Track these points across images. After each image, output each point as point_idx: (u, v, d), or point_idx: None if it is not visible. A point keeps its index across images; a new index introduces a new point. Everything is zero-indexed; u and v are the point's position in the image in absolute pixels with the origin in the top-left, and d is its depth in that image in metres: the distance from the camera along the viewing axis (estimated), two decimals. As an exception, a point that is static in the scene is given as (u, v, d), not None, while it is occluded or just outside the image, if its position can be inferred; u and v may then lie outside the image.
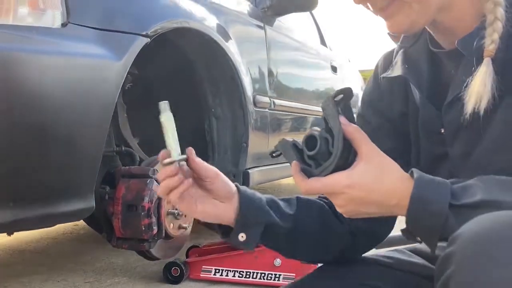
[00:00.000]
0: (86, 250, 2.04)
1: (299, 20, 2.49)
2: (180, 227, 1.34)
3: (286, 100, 2.05)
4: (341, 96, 0.62)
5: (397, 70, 0.78)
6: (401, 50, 0.79)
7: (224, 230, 0.73)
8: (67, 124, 0.94)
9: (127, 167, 1.30)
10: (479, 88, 0.63)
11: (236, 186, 0.72)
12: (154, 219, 1.22)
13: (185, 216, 1.37)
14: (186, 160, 0.64)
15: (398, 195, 0.60)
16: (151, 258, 1.38)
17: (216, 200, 0.69)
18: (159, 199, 1.25)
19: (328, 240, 0.79)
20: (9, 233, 1.03)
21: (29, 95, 0.88)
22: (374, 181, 0.61)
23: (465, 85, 0.64)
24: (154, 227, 1.22)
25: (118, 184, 1.25)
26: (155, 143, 1.59)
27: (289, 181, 3.44)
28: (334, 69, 2.93)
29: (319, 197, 0.84)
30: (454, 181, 0.60)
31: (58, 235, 2.27)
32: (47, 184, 0.92)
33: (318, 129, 0.62)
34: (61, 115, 0.93)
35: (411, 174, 0.61)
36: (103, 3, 1.06)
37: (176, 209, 1.32)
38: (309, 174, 0.62)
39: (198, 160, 0.66)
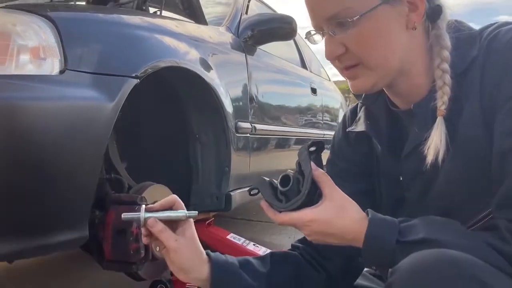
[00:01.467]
0: (74, 268, 2.11)
1: (279, 46, 2.61)
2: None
3: (266, 124, 2.17)
4: (314, 148, 0.75)
5: (360, 125, 0.90)
6: (364, 107, 0.91)
7: None
8: (64, 162, 1.03)
9: (117, 194, 1.39)
10: (437, 143, 0.73)
11: (208, 254, 0.82)
12: (141, 244, 1.31)
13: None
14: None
15: (354, 231, 0.73)
16: (139, 278, 1.47)
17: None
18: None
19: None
20: (10, 261, 1.12)
21: (30, 136, 0.98)
22: (333, 218, 0.74)
23: (423, 139, 0.75)
24: (141, 251, 1.30)
25: (109, 210, 1.33)
26: (142, 167, 1.70)
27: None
28: (313, 90, 3.06)
29: (297, 241, 0.96)
30: (402, 220, 0.72)
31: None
32: (44, 217, 1.01)
33: (292, 171, 0.74)
34: (58, 153, 1.02)
35: (367, 213, 0.72)
36: (97, 50, 1.15)
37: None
38: (278, 208, 0.74)
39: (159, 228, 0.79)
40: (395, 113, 0.87)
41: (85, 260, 2.07)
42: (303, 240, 0.94)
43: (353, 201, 0.75)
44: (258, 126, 2.05)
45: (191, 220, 0.81)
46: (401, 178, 0.85)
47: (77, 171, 1.05)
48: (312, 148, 0.76)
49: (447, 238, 0.66)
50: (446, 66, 0.75)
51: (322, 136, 3.17)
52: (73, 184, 1.05)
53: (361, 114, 0.92)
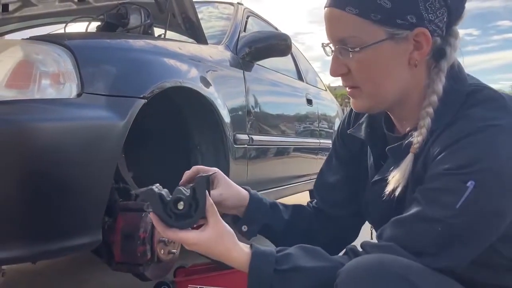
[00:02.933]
0: (82, 270, 2.23)
1: (276, 59, 2.74)
2: (169, 252, 1.56)
3: (263, 135, 2.31)
4: (208, 178, 0.86)
5: (361, 131, 0.97)
6: (367, 114, 0.96)
7: (233, 218, 1.03)
8: (81, 174, 1.17)
9: (125, 202, 1.52)
10: (399, 177, 0.82)
11: (248, 189, 1.01)
12: (148, 247, 1.44)
13: (174, 243, 1.59)
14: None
15: (236, 260, 0.82)
16: (145, 279, 1.60)
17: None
18: (152, 229, 1.48)
19: (309, 240, 1.00)
20: (33, 262, 1.26)
21: (52, 152, 1.11)
22: (212, 244, 0.82)
23: (391, 169, 0.84)
24: (148, 253, 1.43)
25: (118, 217, 1.47)
26: (147, 176, 1.83)
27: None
28: (309, 101, 3.19)
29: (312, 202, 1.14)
30: (279, 249, 0.83)
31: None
32: (64, 223, 1.15)
33: (185, 191, 0.83)
34: (76, 167, 1.16)
35: (251, 247, 0.83)
36: (109, 73, 1.29)
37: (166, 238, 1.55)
38: (168, 224, 0.83)
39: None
40: (387, 136, 0.94)
41: (91, 263, 2.20)
42: (318, 203, 1.11)
43: (232, 232, 0.84)
44: (255, 137, 2.18)
45: (220, 172, 1.02)
46: (369, 195, 0.97)
47: (92, 183, 1.19)
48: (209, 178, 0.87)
49: (312, 264, 0.79)
50: (431, 110, 0.80)
51: (318, 144, 3.30)
52: (88, 193, 1.18)
53: (364, 119, 0.98)
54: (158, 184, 0.89)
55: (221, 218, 0.84)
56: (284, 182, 2.72)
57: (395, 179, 0.83)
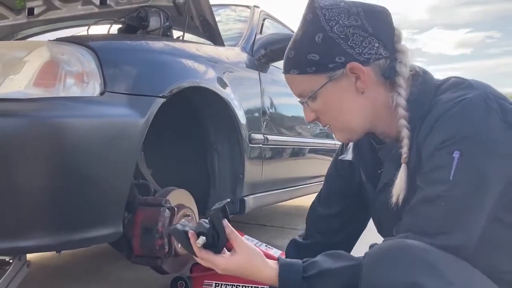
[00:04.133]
0: (100, 266, 2.30)
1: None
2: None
3: (277, 135, 2.35)
4: (224, 207, 0.95)
5: (349, 155, 1.09)
6: None
7: None
8: (103, 169, 1.22)
9: (144, 197, 1.58)
10: (398, 189, 0.90)
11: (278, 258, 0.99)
12: (165, 240, 1.49)
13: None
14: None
15: (265, 277, 0.90)
16: (163, 272, 1.66)
17: None
18: (170, 224, 1.53)
19: None
20: (58, 251, 1.32)
21: (76, 148, 1.17)
22: (242, 267, 0.91)
23: (393, 177, 0.92)
24: (165, 247, 1.48)
25: (137, 212, 1.53)
26: (166, 174, 1.89)
27: (282, 204, 3.71)
28: (324, 102, 3.22)
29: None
30: (305, 260, 0.90)
31: (74, 252, 2.53)
32: (87, 215, 1.21)
33: (206, 223, 0.93)
34: (99, 162, 1.21)
35: (278, 260, 0.91)
36: (130, 73, 1.35)
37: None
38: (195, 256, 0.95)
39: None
40: (376, 149, 1.04)
41: (111, 259, 2.27)
42: (311, 234, 1.20)
43: (258, 251, 0.92)
44: (270, 137, 2.23)
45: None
46: (377, 206, 1.04)
47: (114, 176, 1.25)
48: (223, 207, 0.95)
49: (335, 265, 0.85)
50: (403, 121, 0.90)
51: (333, 145, 3.33)
52: (110, 187, 1.24)
53: (351, 144, 1.10)
54: (183, 221, 1.03)
55: (245, 241, 0.93)
56: (298, 182, 2.76)
57: (396, 190, 0.91)
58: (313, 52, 0.92)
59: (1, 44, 1.56)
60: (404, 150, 0.90)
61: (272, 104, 2.32)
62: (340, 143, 1.20)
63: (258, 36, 2.43)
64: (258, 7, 2.74)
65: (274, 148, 2.31)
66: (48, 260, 2.36)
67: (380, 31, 0.92)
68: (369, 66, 0.92)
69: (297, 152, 2.73)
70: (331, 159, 3.40)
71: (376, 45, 0.91)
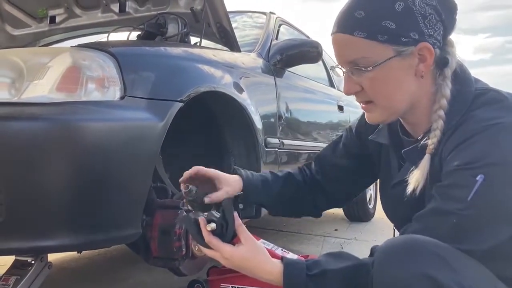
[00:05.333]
0: (119, 269, 2.33)
1: (308, 66, 2.80)
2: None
3: (293, 140, 2.37)
4: (236, 199, 1.02)
5: (382, 137, 1.06)
6: None
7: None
8: (123, 171, 1.26)
9: (162, 200, 1.61)
10: (418, 177, 0.89)
11: (240, 175, 1.13)
12: (183, 242, 1.51)
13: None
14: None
15: (268, 269, 0.89)
16: (180, 274, 1.68)
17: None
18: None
19: (296, 205, 1.23)
20: (79, 252, 1.35)
21: (98, 151, 1.20)
22: (246, 258, 0.91)
23: (411, 170, 0.92)
24: (183, 249, 1.49)
25: (155, 214, 1.55)
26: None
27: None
28: (340, 108, 3.23)
29: (304, 165, 1.29)
30: (309, 259, 0.90)
31: (93, 256, 2.57)
32: (107, 216, 1.24)
33: (216, 213, 0.97)
34: (119, 164, 1.25)
35: (282, 260, 0.90)
36: (149, 78, 1.38)
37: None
38: (202, 243, 0.97)
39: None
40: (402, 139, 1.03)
41: (129, 263, 2.30)
42: (316, 168, 1.24)
43: (263, 247, 0.92)
44: (286, 142, 2.25)
45: (212, 170, 1.15)
46: (391, 198, 1.06)
47: (134, 179, 1.28)
48: (237, 198, 1.03)
49: (338, 266, 0.85)
50: (442, 113, 0.88)
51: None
52: (130, 189, 1.27)
53: (384, 126, 1.06)
54: (193, 212, 1.05)
55: (251, 235, 0.93)
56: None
57: (415, 179, 0.90)
58: (390, 19, 0.85)
59: (25, 51, 1.61)
60: (433, 141, 0.88)
61: (287, 109, 2.34)
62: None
63: (274, 42, 2.46)
64: (274, 13, 2.77)
65: (290, 152, 2.32)
66: (68, 262, 2.40)
67: (449, 20, 0.89)
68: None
69: (312, 157, 2.73)
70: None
71: (442, 32, 0.89)
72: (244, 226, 0.94)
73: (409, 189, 0.90)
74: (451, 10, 0.90)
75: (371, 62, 0.88)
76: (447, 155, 0.86)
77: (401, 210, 1.00)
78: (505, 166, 0.80)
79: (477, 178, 0.79)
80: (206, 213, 0.99)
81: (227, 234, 0.94)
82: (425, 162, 0.89)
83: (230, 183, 1.10)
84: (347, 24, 0.88)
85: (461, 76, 0.92)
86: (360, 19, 0.86)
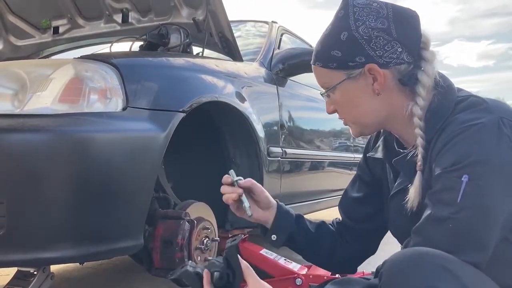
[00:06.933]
0: (121, 279, 2.33)
1: (310, 76, 2.80)
2: (205, 259, 1.64)
3: (296, 149, 2.37)
4: (236, 241, 0.96)
5: (379, 153, 1.11)
6: (383, 136, 1.10)
7: (263, 230, 1.15)
8: (125, 182, 1.26)
9: (164, 210, 1.61)
10: (412, 195, 0.92)
11: (276, 201, 1.15)
12: (185, 253, 1.51)
13: (210, 250, 1.67)
14: (240, 180, 1.07)
15: None
16: (182, 285, 1.66)
17: (260, 208, 1.11)
18: (190, 236, 1.55)
19: (331, 254, 1.18)
20: (81, 263, 1.35)
21: (100, 161, 1.21)
22: None
23: (408, 185, 0.94)
24: (185, 259, 1.51)
25: (158, 225, 1.55)
26: (185, 187, 1.92)
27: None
28: (342, 116, 3.22)
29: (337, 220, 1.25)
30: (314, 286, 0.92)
31: (96, 266, 2.57)
32: (109, 227, 1.24)
33: (219, 262, 0.92)
34: (121, 175, 1.25)
35: None
36: (151, 89, 1.39)
37: (203, 245, 1.62)
38: None
39: (249, 180, 1.11)
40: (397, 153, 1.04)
41: (131, 272, 2.30)
42: (342, 211, 1.24)
43: (268, 286, 0.92)
44: (289, 150, 2.24)
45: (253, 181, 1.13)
46: (390, 210, 1.06)
47: (136, 190, 1.28)
48: (235, 242, 0.96)
49: None
50: (418, 131, 0.92)
51: (353, 158, 3.33)
52: (132, 200, 1.28)
53: (380, 142, 1.11)
54: (190, 261, 1.04)
55: (257, 277, 0.94)
56: (317, 196, 2.76)
57: (411, 197, 0.92)
58: (337, 49, 0.96)
59: (28, 62, 1.62)
60: (419, 158, 0.92)
61: (290, 118, 2.34)
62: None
63: (276, 51, 2.46)
64: (276, 22, 2.78)
65: (293, 161, 2.32)
66: (70, 273, 2.40)
67: (406, 37, 0.93)
68: (388, 69, 0.94)
69: (316, 166, 2.73)
70: (351, 172, 3.41)
71: (399, 49, 0.93)
72: (251, 268, 0.94)
73: (408, 206, 0.93)
74: (405, 25, 0.94)
75: (330, 86, 1.00)
76: (434, 160, 0.88)
77: (401, 223, 1.01)
78: (488, 162, 0.82)
79: (462, 179, 0.81)
80: (206, 262, 0.96)
81: (235, 282, 0.91)
82: (417, 181, 0.92)
83: (263, 193, 1.13)
84: (313, 56, 1.02)
85: (443, 88, 0.95)
86: (319, 52, 0.99)
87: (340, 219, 1.25)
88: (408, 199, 0.92)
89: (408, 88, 0.95)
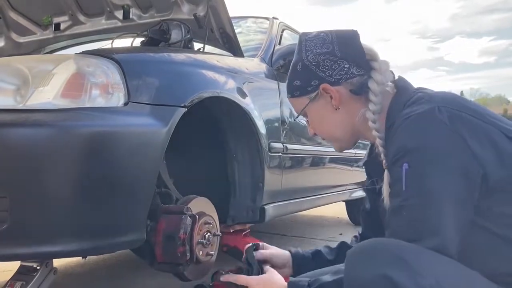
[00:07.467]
0: (123, 274, 2.34)
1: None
2: (207, 254, 1.64)
3: (297, 144, 2.37)
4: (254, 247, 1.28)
5: (365, 159, 1.19)
6: (370, 144, 1.19)
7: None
8: (127, 176, 1.26)
9: (166, 205, 1.62)
10: (386, 192, 0.98)
11: (289, 250, 1.29)
12: (187, 247, 1.51)
13: (212, 245, 1.67)
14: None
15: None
16: (184, 279, 1.68)
17: (278, 268, 1.24)
18: (191, 231, 1.56)
19: None
20: (84, 257, 1.36)
21: (101, 156, 1.21)
22: (269, 281, 1.13)
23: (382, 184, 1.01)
24: (187, 254, 1.50)
25: (160, 219, 1.56)
26: (187, 182, 1.92)
27: (303, 213, 3.71)
28: (343, 112, 3.22)
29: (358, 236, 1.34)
30: (310, 279, 1.01)
31: (98, 261, 2.59)
32: (113, 221, 1.25)
33: (241, 265, 1.27)
34: (124, 170, 1.25)
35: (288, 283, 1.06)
36: (153, 84, 1.39)
37: (204, 240, 1.62)
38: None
39: (262, 254, 1.28)
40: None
41: (134, 268, 2.31)
42: (363, 224, 1.33)
43: (280, 276, 1.14)
44: (290, 146, 2.25)
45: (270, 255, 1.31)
46: (380, 209, 1.11)
47: (138, 184, 1.29)
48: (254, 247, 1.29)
49: (333, 278, 0.95)
50: (374, 132, 1.01)
51: (354, 154, 3.33)
52: (134, 194, 1.28)
53: (367, 150, 1.22)
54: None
55: (274, 270, 1.16)
56: (318, 191, 2.77)
57: (384, 195, 0.99)
58: (297, 79, 1.11)
59: (30, 58, 1.62)
60: (382, 157, 1.00)
61: (291, 114, 2.34)
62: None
63: (277, 47, 2.46)
64: (277, 18, 2.78)
65: (294, 157, 2.33)
66: (73, 268, 2.41)
67: (348, 53, 1.05)
68: (340, 85, 1.06)
69: (317, 162, 2.74)
70: (352, 168, 3.41)
71: (346, 66, 1.05)
72: (271, 269, 1.17)
73: (385, 202, 0.98)
74: (346, 44, 1.06)
75: (300, 111, 1.15)
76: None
77: (384, 221, 1.06)
78: (423, 148, 0.87)
79: (403, 168, 0.87)
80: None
81: (254, 273, 1.22)
82: (385, 178, 0.98)
83: (278, 250, 1.30)
84: (286, 89, 1.18)
85: (399, 90, 1.04)
86: (287, 85, 1.16)
87: (360, 232, 1.32)
88: (383, 198, 0.98)
89: (363, 97, 1.05)
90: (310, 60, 1.07)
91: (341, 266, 0.95)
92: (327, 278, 0.97)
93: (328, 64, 1.06)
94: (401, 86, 1.05)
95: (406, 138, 0.90)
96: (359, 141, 1.18)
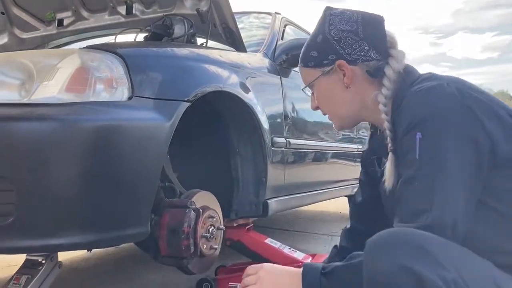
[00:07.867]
0: (128, 268, 2.36)
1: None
2: (211, 248, 1.65)
3: (300, 139, 2.38)
4: None
5: (367, 145, 1.19)
6: (371, 130, 1.23)
7: None
8: (131, 170, 1.27)
9: (170, 199, 1.63)
10: (388, 175, 1.00)
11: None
12: (191, 241, 1.52)
13: (215, 239, 1.68)
14: None
15: (292, 276, 1.05)
16: (188, 272, 1.69)
17: None
18: (195, 225, 1.57)
19: None
20: (89, 250, 1.37)
21: (106, 150, 1.22)
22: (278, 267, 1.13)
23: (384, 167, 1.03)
24: (191, 247, 1.51)
25: (164, 213, 1.56)
26: (191, 177, 1.93)
27: (305, 208, 3.72)
28: (346, 107, 3.22)
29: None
30: (325, 263, 1.02)
31: (103, 255, 2.60)
32: (117, 214, 1.26)
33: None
34: (128, 164, 1.26)
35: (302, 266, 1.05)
36: (156, 79, 1.40)
37: (208, 233, 1.64)
38: None
39: None
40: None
41: (137, 262, 2.32)
42: (352, 218, 1.35)
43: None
44: (292, 141, 2.25)
45: None
46: (382, 193, 1.12)
47: (142, 178, 1.29)
48: None
49: (345, 263, 0.96)
50: (383, 115, 1.01)
51: (356, 150, 3.34)
52: (139, 188, 1.29)
53: (368, 137, 1.24)
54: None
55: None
56: (320, 186, 2.77)
57: (386, 177, 1.01)
58: (314, 50, 1.11)
59: (35, 53, 1.63)
60: (388, 140, 1.01)
61: (294, 109, 2.35)
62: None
63: (279, 42, 2.47)
64: (279, 13, 2.78)
65: (297, 152, 2.33)
66: (78, 262, 2.43)
67: (371, 36, 1.06)
68: (356, 65, 1.07)
69: (319, 157, 2.74)
70: (355, 164, 3.42)
71: (366, 48, 1.06)
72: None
73: (385, 186, 1.00)
74: (371, 27, 1.06)
75: (308, 83, 1.15)
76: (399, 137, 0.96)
77: (388, 205, 1.07)
78: (434, 117, 0.89)
79: (416, 136, 0.88)
80: None
81: None
82: (389, 161, 1.00)
83: None
84: (299, 59, 1.18)
85: (407, 73, 1.05)
86: (302, 54, 1.15)
87: (349, 226, 1.34)
88: (385, 180, 1.00)
89: (377, 80, 1.06)
90: (332, 35, 1.07)
91: (352, 254, 0.96)
92: (343, 262, 0.98)
93: (349, 42, 1.06)
94: (409, 70, 1.07)
95: (418, 109, 0.91)
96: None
